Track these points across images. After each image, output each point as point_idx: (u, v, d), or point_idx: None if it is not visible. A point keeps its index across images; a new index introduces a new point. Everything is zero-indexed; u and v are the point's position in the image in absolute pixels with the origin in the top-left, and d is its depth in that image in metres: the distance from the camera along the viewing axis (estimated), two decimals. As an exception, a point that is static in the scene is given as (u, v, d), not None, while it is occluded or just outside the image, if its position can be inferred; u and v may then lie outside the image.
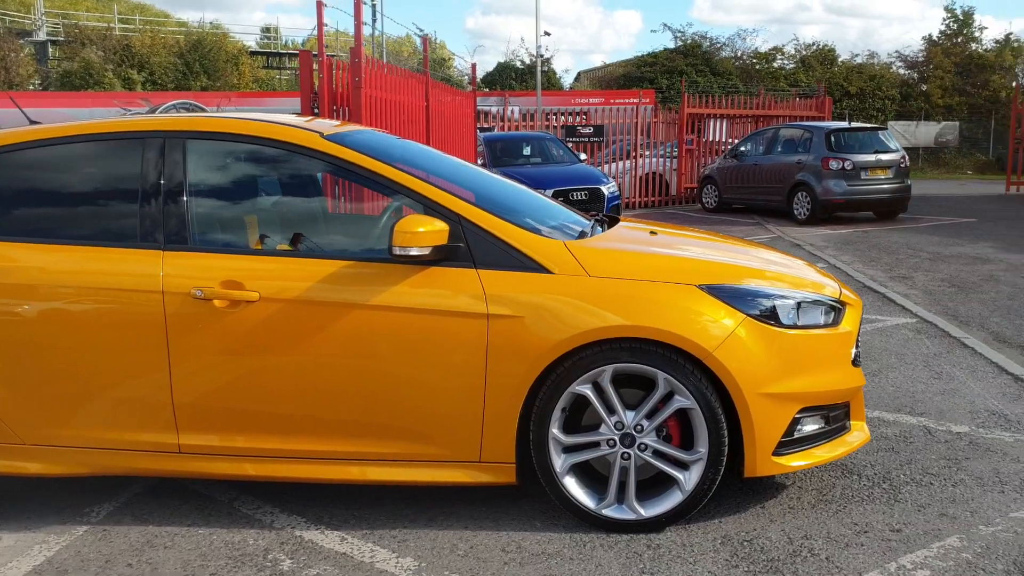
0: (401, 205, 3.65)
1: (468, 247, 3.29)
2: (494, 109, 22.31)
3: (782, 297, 3.34)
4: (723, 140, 19.17)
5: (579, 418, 3.35)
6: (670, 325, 3.17)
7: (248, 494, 3.74)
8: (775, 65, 35.71)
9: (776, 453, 3.28)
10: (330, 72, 6.98)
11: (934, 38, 36.40)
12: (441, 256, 3.24)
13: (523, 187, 4.22)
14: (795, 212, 14.61)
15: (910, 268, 9.47)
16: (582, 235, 3.65)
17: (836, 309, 3.46)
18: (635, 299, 3.21)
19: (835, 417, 3.47)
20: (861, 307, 3.66)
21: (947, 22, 36.59)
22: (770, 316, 3.29)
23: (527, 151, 14.69)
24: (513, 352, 3.21)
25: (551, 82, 35.86)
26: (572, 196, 12.65)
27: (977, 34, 36.24)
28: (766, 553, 3.11)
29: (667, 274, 3.32)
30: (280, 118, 3.75)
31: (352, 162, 3.41)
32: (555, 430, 3.28)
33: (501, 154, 14.51)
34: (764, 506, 3.50)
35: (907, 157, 15.07)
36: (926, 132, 33.12)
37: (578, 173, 13.65)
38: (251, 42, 43.88)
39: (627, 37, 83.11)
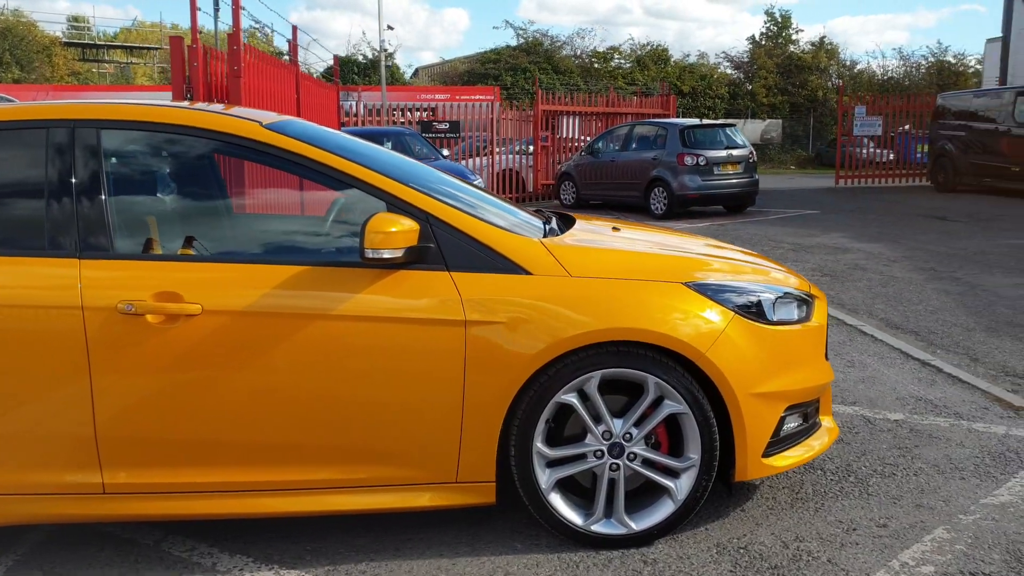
0: (345, 203, 3.30)
1: (439, 248, 2.99)
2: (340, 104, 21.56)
3: (764, 292, 3.24)
4: (576, 137, 19.39)
5: (561, 429, 3.12)
6: (661, 326, 2.99)
7: (177, 534, 3.27)
8: (612, 64, 36.67)
9: (765, 455, 3.17)
10: (205, 60, 6.40)
11: (756, 39, 38.49)
12: (411, 259, 2.92)
13: (471, 185, 3.93)
14: (652, 208, 14.94)
15: (779, 259, 9.80)
16: (551, 233, 3.41)
17: (807, 303, 3.39)
18: (622, 300, 3.01)
19: (810, 414, 3.40)
20: (826, 301, 3.62)
21: (767, 25, 38.80)
22: (756, 313, 3.17)
23: (388, 147, 14.26)
24: (494, 361, 2.94)
25: (395, 77, 35.30)
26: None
27: (795, 36, 38.65)
28: (767, 560, 2.99)
29: (651, 272, 3.14)
30: (210, 106, 3.30)
31: (303, 155, 3.02)
32: (539, 444, 3.03)
33: (360, 150, 14.02)
34: (744, 509, 3.39)
35: (755, 153, 15.72)
36: (752, 129, 34.95)
37: (444, 169, 13.33)
38: (58, 32, 40.62)
39: (455, 35, 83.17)
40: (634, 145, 15.90)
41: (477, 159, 18.01)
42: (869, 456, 3.87)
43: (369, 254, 2.82)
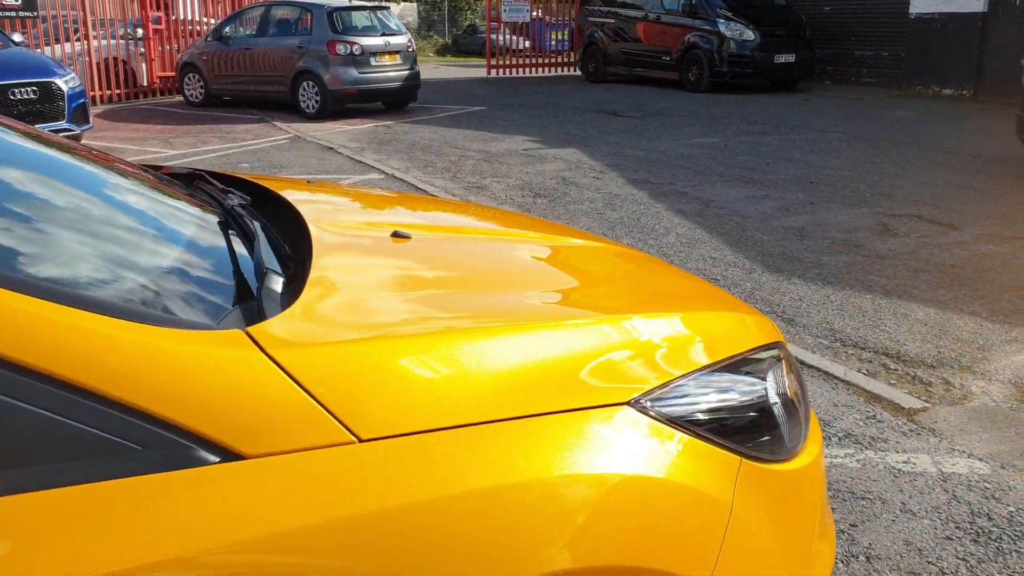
0: None
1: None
2: None
3: (764, 372, 1.49)
4: (198, 19, 16.10)
5: None
6: (623, 554, 1.13)
7: None
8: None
9: None
10: None
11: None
12: None
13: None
14: (303, 105, 12.59)
15: (475, 173, 8.21)
16: (266, 284, 1.30)
17: (780, 359, 1.69)
18: (513, 505, 1.09)
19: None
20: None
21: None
22: (766, 434, 1.42)
23: (-72, 31, 10.33)
24: None
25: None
26: (13, 95, 9.12)
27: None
28: None
29: (557, 388, 1.22)
30: None
31: None
32: None
33: None
34: None
35: (413, 41, 13.88)
36: (388, 14, 32.97)
37: (18, 61, 9.90)
38: None
39: None
40: (273, 30, 13.26)
41: (66, 46, 14.15)
42: (809, 566, 2.37)
43: None
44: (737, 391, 1.42)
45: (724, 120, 11.63)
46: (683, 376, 1.35)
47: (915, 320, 4.19)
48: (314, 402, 1.04)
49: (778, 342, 1.68)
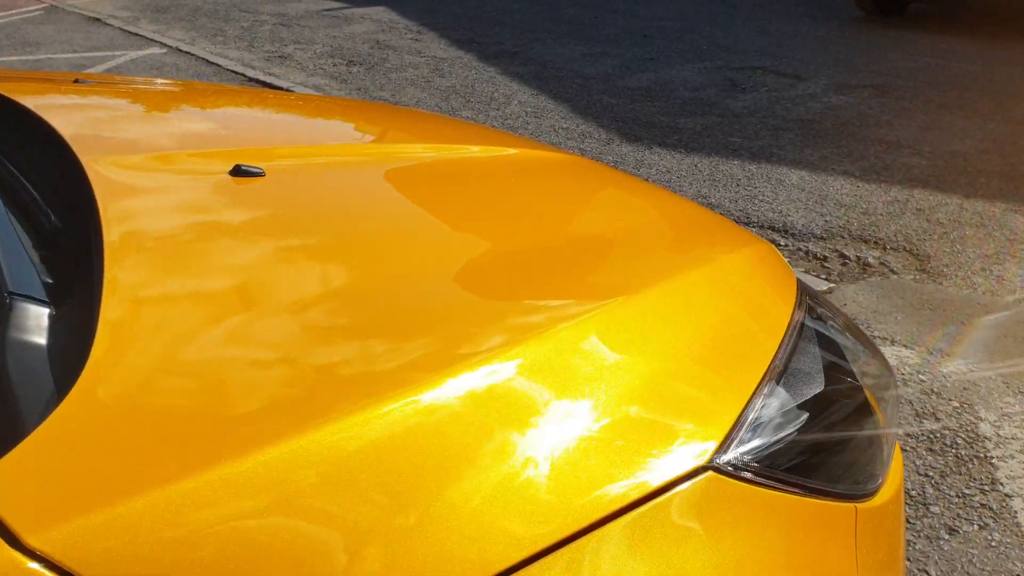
0: None
1: None
2: None
3: (840, 348, 1.03)
4: None
5: None
6: None
7: None
8: None
9: None
10: None
11: None
12: None
13: None
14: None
15: (274, 41, 7.20)
16: (11, 332, 0.66)
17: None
18: None
19: None
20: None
21: None
22: (869, 453, 0.95)
23: None
24: None
25: None
26: None
27: None
28: None
29: (603, 463, 0.68)
30: None
31: None
32: None
33: None
34: None
35: None
36: None
37: None
38: None
39: None
40: None
41: None
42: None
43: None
44: (819, 392, 0.93)
45: (537, -30, 10.92)
46: (754, 394, 0.84)
47: (791, 186, 3.90)
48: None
49: (798, 281, 1.21)
